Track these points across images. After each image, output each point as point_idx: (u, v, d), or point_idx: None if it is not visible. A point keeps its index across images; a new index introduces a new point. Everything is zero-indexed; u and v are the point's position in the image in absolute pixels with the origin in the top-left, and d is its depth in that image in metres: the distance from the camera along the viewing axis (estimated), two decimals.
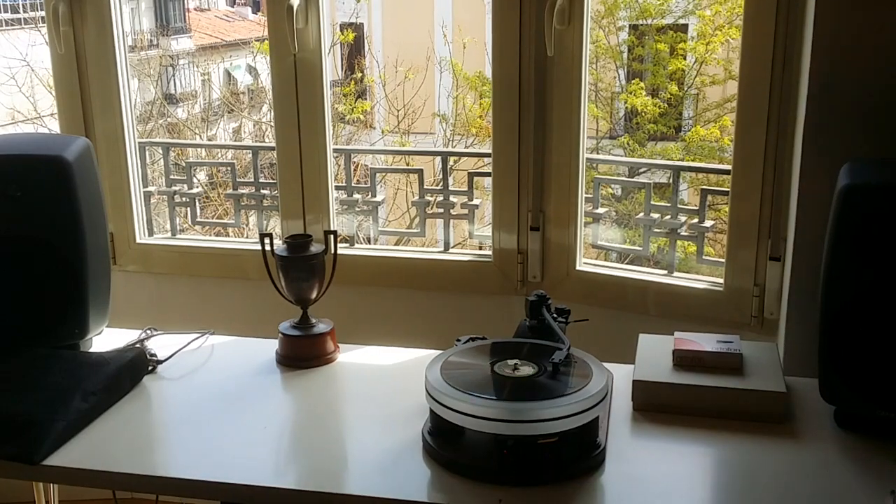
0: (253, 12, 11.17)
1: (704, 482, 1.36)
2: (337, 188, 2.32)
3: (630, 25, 7.86)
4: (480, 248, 3.89)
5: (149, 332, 1.81)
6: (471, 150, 7.27)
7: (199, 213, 2.66)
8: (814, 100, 1.63)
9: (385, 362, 1.73)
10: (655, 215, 2.21)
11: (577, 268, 2.10)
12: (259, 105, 8.77)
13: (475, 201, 2.37)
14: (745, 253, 1.90)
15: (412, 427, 1.42)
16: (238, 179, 2.57)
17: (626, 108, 7.68)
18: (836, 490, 1.27)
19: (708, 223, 2.20)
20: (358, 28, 8.75)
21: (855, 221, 1.32)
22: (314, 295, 1.71)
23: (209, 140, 8.17)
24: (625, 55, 7.89)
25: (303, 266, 1.68)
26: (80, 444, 1.40)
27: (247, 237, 4.76)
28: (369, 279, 2.24)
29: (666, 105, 7.53)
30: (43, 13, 2.25)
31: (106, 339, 1.75)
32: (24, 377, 1.53)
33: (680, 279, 2.05)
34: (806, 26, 1.68)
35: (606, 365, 1.42)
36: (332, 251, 1.74)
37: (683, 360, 1.54)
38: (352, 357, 1.74)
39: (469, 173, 2.46)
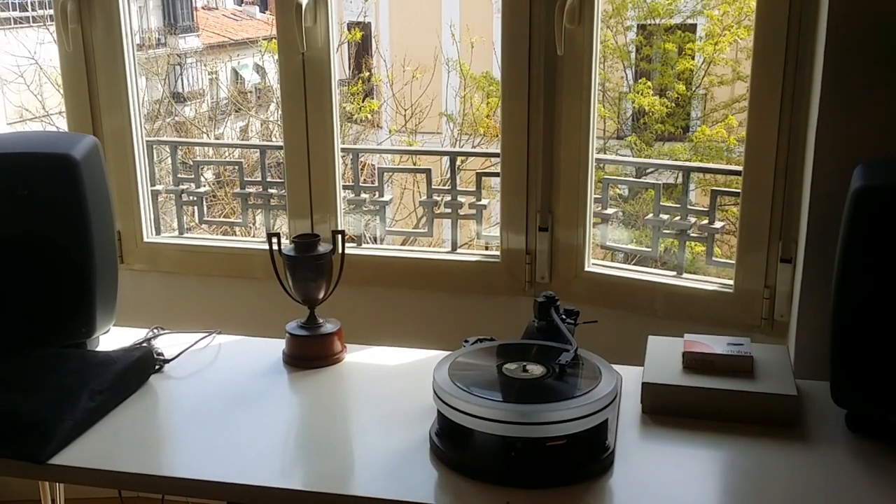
0: (261, 11, 11.17)
1: (714, 486, 1.35)
2: (344, 187, 2.31)
3: (638, 25, 7.85)
4: (487, 249, 3.88)
5: (156, 331, 1.81)
6: (478, 149, 7.26)
7: (206, 212, 2.65)
8: (827, 100, 1.61)
9: (392, 363, 1.72)
10: (665, 216, 2.20)
11: (586, 269, 2.09)
12: (266, 104, 8.77)
13: (483, 201, 2.36)
14: (755, 255, 1.89)
15: (419, 428, 1.41)
16: (245, 178, 2.56)
17: (634, 107, 7.66)
18: (848, 494, 1.26)
19: (717, 224, 2.18)
20: (365, 27, 8.75)
21: (869, 223, 1.31)
22: (321, 295, 1.70)
23: (216, 139, 8.17)
24: (633, 55, 7.87)
25: (310, 266, 1.68)
26: (86, 443, 1.40)
27: (254, 236, 4.77)
28: (377, 279, 2.23)
29: (673, 105, 7.51)
30: (51, 11, 2.25)
31: (113, 338, 1.75)
32: (32, 376, 1.53)
33: (689, 281, 2.04)
34: (819, 26, 1.66)
35: (615, 367, 1.41)
36: (340, 251, 1.73)
37: (693, 362, 1.53)
38: (359, 357, 1.73)
39: (477, 173, 2.44)
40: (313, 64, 2.14)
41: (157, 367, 1.66)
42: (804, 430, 1.42)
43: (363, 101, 7.63)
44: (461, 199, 2.38)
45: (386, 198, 2.47)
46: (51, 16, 2.26)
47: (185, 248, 2.38)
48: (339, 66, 7.95)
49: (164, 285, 2.38)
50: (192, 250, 2.37)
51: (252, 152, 6.67)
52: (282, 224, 2.47)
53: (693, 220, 2.17)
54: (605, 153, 6.91)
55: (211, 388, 1.61)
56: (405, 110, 7.48)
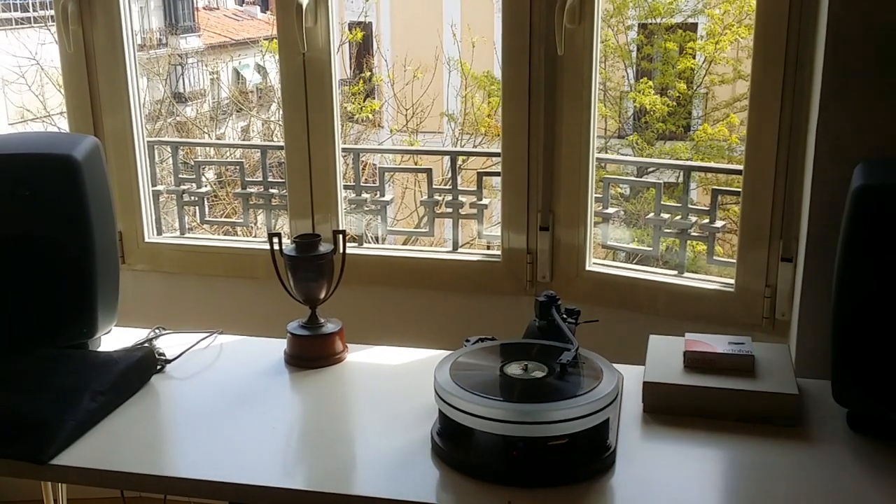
0: (262, 11, 11.19)
1: (715, 485, 1.35)
2: (345, 187, 2.32)
3: (639, 24, 7.85)
4: (488, 248, 3.88)
5: (157, 331, 1.81)
6: (479, 149, 7.27)
7: (207, 212, 2.65)
8: (827, 99, 1.61)
9: (394, 362, 1.72)
10: (666, 215, 2.20)
11: (587, 268, 2.09)
12: (267, 104, 8.78)
13: (484, 201, 2.36)
14: (756, 254, 1.89)
15: (421, 428, 1.41)
16: (247, 178, 2.56)
17: (635, 107, 7.66)
18: (849, 493, 1.26)
19: (718, 223, 2.18)
20: (366, 27, 8.76)
21: (869, 222, 1.31)
22: (323, 295, 1.70)
23: (218, 139, 8.19)
24: (633, 54, 7.87)
25: (311, 266, 1.68)
26: (88, 443, 1.40)
27: (255, 236, 4.77)
28: (378, 279, 2.23)
29: (675, 104, 7.51)
30: (52, 12, 2.25)
31: (114, 339, 1.75)
32: (33, 377, 1.53)
33: (690, 280, 2.04)
34: (819, 25, 1.66)
35: (617, 366, 1.41)
36: (341, 251, 1.73)
37: (694, 361, 1.52)
38: (360, 357, 1.73)
39: (478, 173, 2.44)
40: (314, 64, 2.15)
41: (158, 367, 1.66)
42: (805, 429, 1.42)
43: (364, 101, 7.64)
44: (462, 198, 2.38)
45: (387, 197, 2.47)
46: (52, 16, 2.26)
47: (187, 248, 2.38)
48: (340, 65, 7.95)
49: (166, 285, 2.38)
50: (193, 250, 2.37)
51: (253, 152, 6.68)
52: (283, 224, 2.47)
53: (694, 219, 2.17)
54: (606, 152, 6.91)
55: (212, 388, 1.62)
56: (406, 110, 7.48)
